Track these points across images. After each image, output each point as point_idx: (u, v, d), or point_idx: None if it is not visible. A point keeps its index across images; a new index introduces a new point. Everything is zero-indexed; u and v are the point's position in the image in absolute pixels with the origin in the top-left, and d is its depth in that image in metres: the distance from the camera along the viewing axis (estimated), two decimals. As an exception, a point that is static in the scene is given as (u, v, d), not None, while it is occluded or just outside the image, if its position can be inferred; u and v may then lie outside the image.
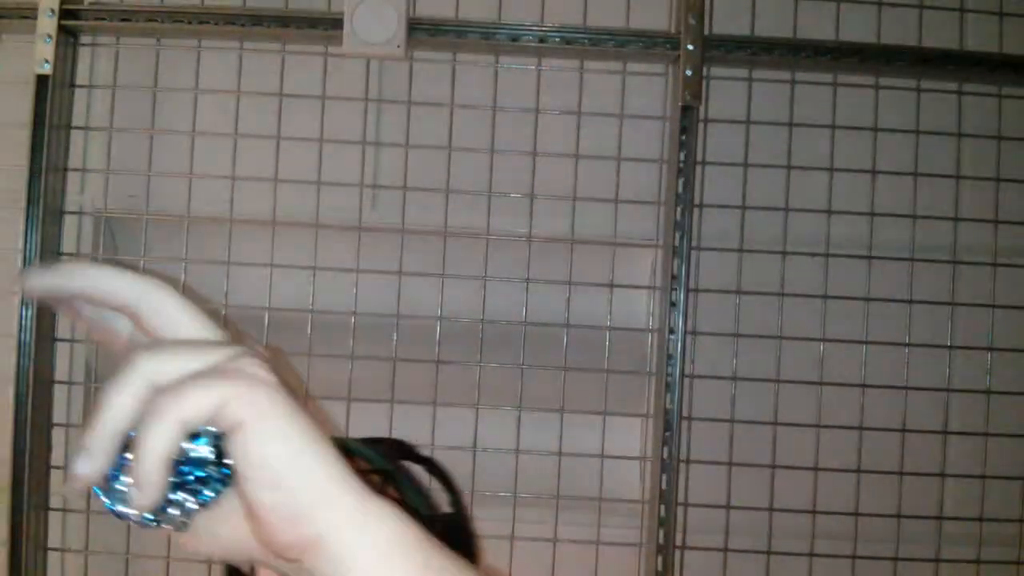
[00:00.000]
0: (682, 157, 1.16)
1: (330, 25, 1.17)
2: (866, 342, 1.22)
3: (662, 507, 1.15)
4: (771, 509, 1.20)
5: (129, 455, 0.33)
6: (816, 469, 1.20)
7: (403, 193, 1.23)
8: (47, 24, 1.15)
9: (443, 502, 0.85)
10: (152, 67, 1.23)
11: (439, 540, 0.37)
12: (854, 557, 1.19)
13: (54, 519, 1.20)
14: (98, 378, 1.24)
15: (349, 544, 0.34)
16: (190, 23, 1.18)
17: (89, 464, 0.32)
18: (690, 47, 1.15)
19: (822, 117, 1.22)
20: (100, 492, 0.34)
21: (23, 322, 1.15)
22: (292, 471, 0.33)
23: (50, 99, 1.15)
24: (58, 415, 1.21)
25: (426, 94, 1.23)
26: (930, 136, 1.23)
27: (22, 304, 1.15)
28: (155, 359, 0.34)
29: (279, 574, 0.36)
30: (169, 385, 0.33)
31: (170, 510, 0.34)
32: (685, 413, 1.17)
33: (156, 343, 0.36)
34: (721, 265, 1.22)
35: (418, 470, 0.86)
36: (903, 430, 1.21)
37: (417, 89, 1.23)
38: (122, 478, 0.33)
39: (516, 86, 1.24)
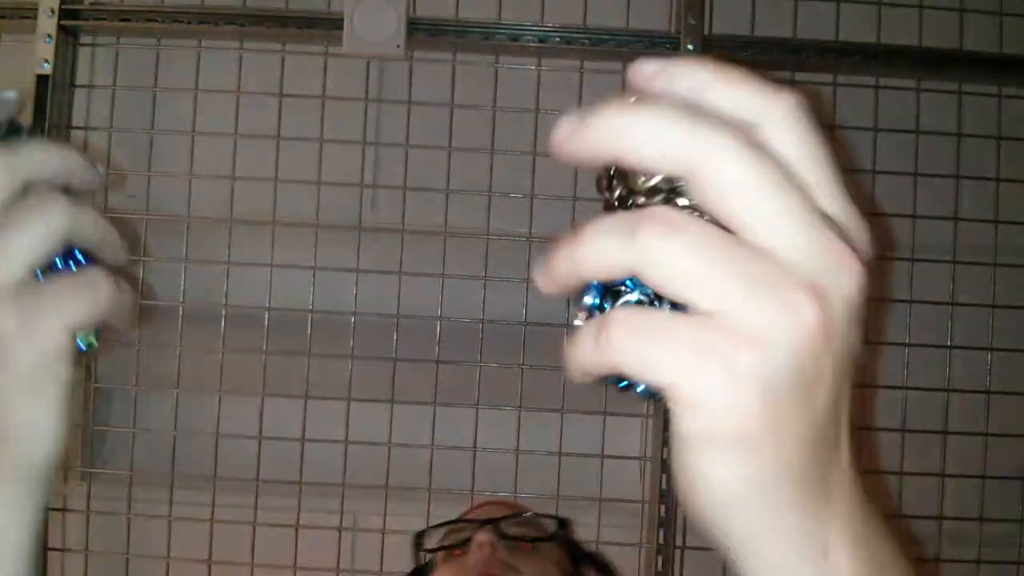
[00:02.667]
0: (682, 157, 1.16)
1: (330, 25, 1.17)
2: (866, 342, 1.22)
3: (662, 507, 1.15)
4: (771, 509, 1.19)
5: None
6: (816, 469, 1.20)
7: (403, 193, 1.23)
8: (47, 24, 1.15)
9: None
10: (152, 67, 1.23)
11: None
12: (854, 557, 1.19)
13: (54, 519, 1.20)
14: (98, 378, 1.24)
15: None
16: (190, 23, 1.18)
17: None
18: (690, 47, 1.15)
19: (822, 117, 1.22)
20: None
21: (23, 322, 1.14)
22: None
23: (50, 99, 1.15)
24: (58, 415, 1.21)
25: (426, 94, 1.23)
26: (930, 136, 1.23)
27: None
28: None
29: None
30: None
31: None
32: (685, 413, 1.17)
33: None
34: (721, 265, 1.21)
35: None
36: (903, 430, 1.21)
37: (417, 89, 1.23)
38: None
39: (516, 86, 1.24)
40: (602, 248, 0.26)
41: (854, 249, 0.26)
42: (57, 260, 0.36)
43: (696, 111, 0.25)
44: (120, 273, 0.37)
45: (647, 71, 0.27)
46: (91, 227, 0.36)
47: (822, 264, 0.25)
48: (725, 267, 0.24)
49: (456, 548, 0.91)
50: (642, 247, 0.25)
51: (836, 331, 0.25)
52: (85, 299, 0.35)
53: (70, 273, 0.36)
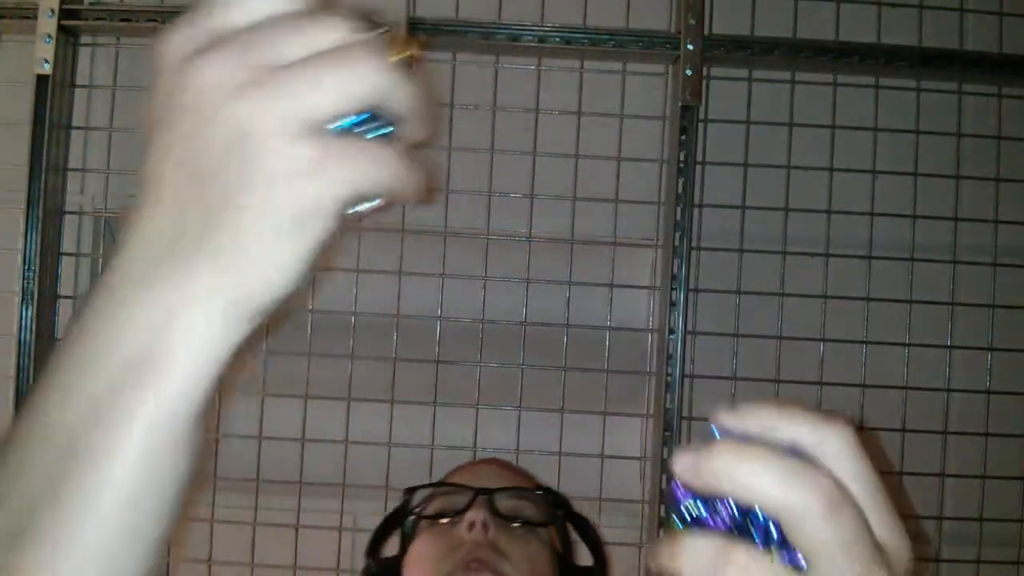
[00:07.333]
0: (682, 157, 1.16)
1: (330, 25, 1.17)
2: (866, 342, 1.22)
3: (662, 507, 1.15)
4: (771, 509, 1.19)
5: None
6: (816, 469, 1.20)
7: (403, 193, 1.22)
8: (47, 24, 1.15)
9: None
10: (152, 67, 1.23)
11: None
12: (854, 557, 1.19)
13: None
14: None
15: None
16: (190, 23, 1.18)
17: None
18: (690, 47, 1.15)
19: (822, 117, 1.22)
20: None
21: (23, 322, 1.15)
22: None
23: (50, 99, 1.15)
24: (58, 415, 1.21)
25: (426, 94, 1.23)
26: (930, 136, 1.23)
27: (22, 304, 1.15)
28: None
29: None
30: None
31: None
32: (685, 413, 1.17)
33: None
34: (721, 265, 1.22)
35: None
36: (903, 430, 1.21)
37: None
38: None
39: (516, 86, 1.24)
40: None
41: (894, 570, 0.31)
42: (357, 121, 0.33)
43: (791, 463, 0.31)
44: (418, 151, 0.35)
45: (728, 423, 0.34)
46: (403, 97, 0.34)
47: None
48: None
49: (445, 518, 0.85)
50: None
51: None
52: (377, 165, 0.33)
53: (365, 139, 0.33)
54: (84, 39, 1.22)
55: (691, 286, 1.17)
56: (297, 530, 1.19)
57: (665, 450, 1.15)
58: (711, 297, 1.21)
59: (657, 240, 1.23)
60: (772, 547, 0.30)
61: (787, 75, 1.23)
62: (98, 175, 1.23)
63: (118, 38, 1.22)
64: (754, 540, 0.31)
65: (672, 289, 1.16)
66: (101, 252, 1.25)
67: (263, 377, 1.20)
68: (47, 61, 1.15)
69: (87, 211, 1.25)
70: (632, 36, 1.18)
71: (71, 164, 1.22)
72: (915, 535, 0.33)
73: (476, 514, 0.81)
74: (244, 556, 1.18)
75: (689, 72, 1.15)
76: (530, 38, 1.18)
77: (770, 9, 1.23)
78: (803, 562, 0.30)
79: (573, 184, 1.23)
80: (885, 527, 0.32)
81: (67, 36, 1.17)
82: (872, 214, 1.22)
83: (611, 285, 1.23)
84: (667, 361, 1.15)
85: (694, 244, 1.18)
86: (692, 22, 1.15)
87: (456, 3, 1.22)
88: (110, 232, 1.30)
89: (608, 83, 1.23)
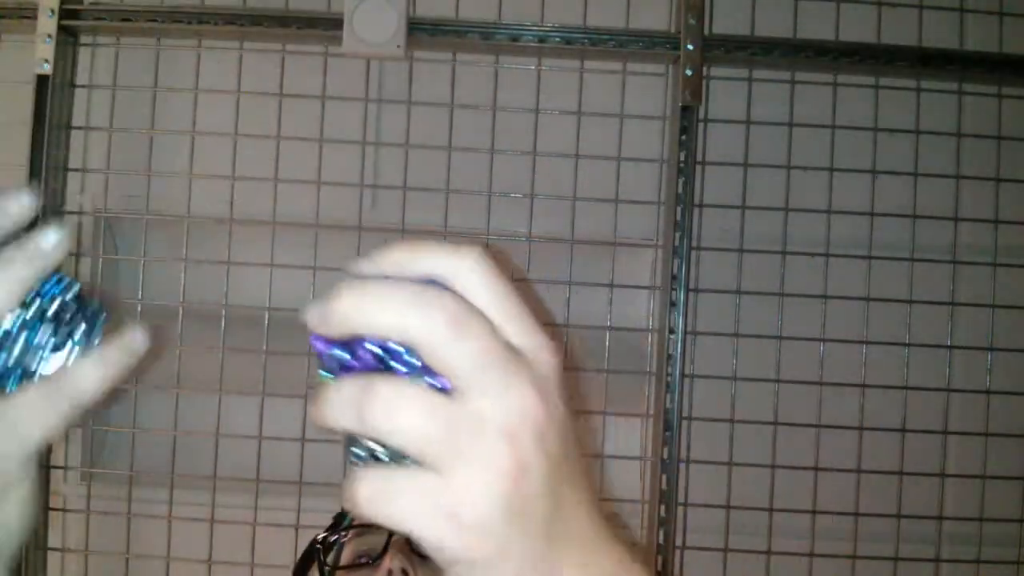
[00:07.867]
0: (682, 157, 1.16)
1: (330, 25, 1.17)
2: (866, 342, 1.22)
3: (662, 507, 1.15)
4: (771, 509, 1.20)
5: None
6: (816, 469, 1.20)
7: (403, 193, 1.23)
8: (47, 24, 1.15)
9: None
10: (152, 67, 1.23)
11: None
12: (854, 557, 1.19)
13: (54, 519, 1.20)
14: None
15: None
16: (190, 23, 1.18)
17: None
18: (690, 47, 1.15)
19: (822, 117, 1.22)
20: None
21: (23, 322, 1.14)
22: None
23: (50, 99, 1.15)
24: (58, 415, 1.21)
25: (426, 94, 1.23)
26: (930, 136, 1.23)
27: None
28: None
29: None
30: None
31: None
32: (685, 413, 1.17)
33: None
34: (721, 265, 1.22)
35: None
36: (903, 430, 1.21)
37: (417, 89, 1.23)
38: None
39: (516, 86, 1.24)
40: (338, 410, 0.31)
41: (535, 372, 0.32)
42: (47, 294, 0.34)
43: (412, 290, 0.31)
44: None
45: (362, 269, 0.34)
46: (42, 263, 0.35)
47: (508, 402, 0.30)
48: (435, 434, 0.30)
49: (365, 565, 0.79)
50: (371, 417, 0.30)
51: (531, 458, 0.31)
52: (52, 412, 0.34)
53: (42, 383, 0.35)
54: (84, 39, 1.22)
55: (691, 286, 1.17)
56: (297, 530, 1.19)
57: (665, 450, 1.15)
58: (711, 297, 1.21)
59: (657, 240, 1.23)
60: (414, 375, 0.30)
61: (787, 75, 1.23)
62: (98, 175, 1.23)
63: (118, 38, 1.22)
64: (398, 373, 0.30)
65: (672, 289, 1.16)
66: (101, 251, 1.25)
67: (263, 377, 1.20)
68: (47, 61, 1.15)
69: (87, 210, 1.25)
70: (632, 36, 1.18)
71: (71, 164, 1.22)
72: (552, 335, 0.33)
73: (393, 562, 0.77)
74: (244, 556, 1.18)
75: (689, 72, 1.15)
76: (530, 38, 1.18)
77: (770, 9, 1.23)
78: (448, 384, 0.30)
79: (573, 184, 1.23)
80: (522, 334, 0.32)
81: (67, 36, 1.18)
82: (872, 214, 1.22)
83: (611, 285, 1.23)
84: (667, 361, 1.15)
85: (694, 244, 1.18)
86: (692, 22, 1.15)
87: (456, 3, 1.22)
88: (110, 232, 1.30)
89: (608, 83, 1.23)
